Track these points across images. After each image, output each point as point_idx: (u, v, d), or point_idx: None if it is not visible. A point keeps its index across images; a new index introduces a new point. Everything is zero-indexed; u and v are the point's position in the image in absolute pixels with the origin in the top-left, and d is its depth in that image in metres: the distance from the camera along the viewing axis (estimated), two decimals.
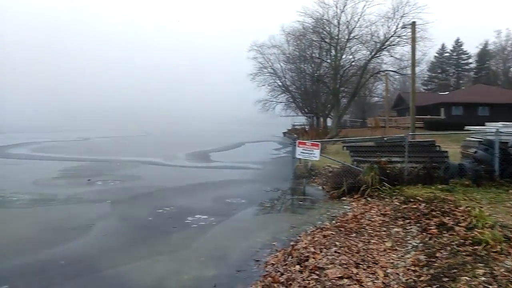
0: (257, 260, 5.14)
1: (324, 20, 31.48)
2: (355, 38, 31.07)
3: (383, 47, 29.61)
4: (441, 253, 4.54)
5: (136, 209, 8.39)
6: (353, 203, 8.33)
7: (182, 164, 18.27)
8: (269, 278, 4.31)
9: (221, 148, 31.44)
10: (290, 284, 4.11)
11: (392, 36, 28.82)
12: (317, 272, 4.23)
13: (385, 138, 13.42)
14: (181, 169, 16.33)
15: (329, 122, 41.24)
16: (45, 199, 9.17)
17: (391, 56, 30.77)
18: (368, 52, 30.97)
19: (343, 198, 8.93)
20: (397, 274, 4.29)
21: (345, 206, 8.22)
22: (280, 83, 45.29)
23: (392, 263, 4.63)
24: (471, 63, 61.69)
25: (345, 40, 31.46)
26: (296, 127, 48.21)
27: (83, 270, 4.84)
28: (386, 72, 32.07)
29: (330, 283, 3.97)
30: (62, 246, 5.77)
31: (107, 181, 12.27)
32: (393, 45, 29.41)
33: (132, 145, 36.76)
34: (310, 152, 9.69)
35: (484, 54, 57.48)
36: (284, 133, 60.62)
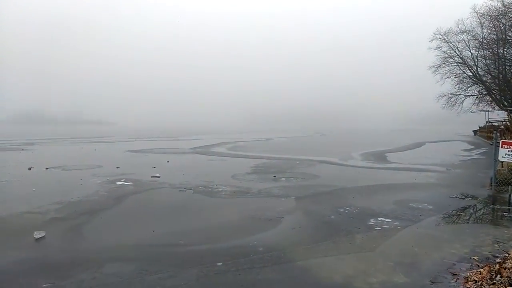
0: (455, 274, 4.66)
1: None
2: None
3: None
4: None
5: (318, 206, 8.81)
6: None
7: (358, 164, 18.09)
8: None
9: (398, 148, 29.60)
10: None
11: None
12: None
13: None
14: (358, 169, 16.17)
15: None
16: (242, 191, 10.65)
17: None
18: None
19: None
20: None
21: None
22: (470, 73, 39.22)
23: None
24: None
25: None
26: (493, 123, 40.73)
27: (277, 259, 5.42)
28: None
29: None
30: (259, 234, 6.60)
31: (290, 178, 13.31)
32: None
33: (308, 144, 38.60)
34: None
35: None
36: (475, 131, 52.14)
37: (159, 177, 13.28)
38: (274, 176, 13.56)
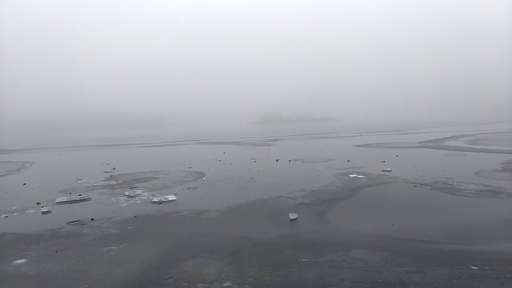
0: None
1: None
2: None
3: None
4: None
5: None
6: None
7: None
8: None
9: None
10: None
11: None
12: None
13: None
14: None
15: None
16: (492, 191, 9.19)
17: None
18: None
19: None
20: None
21: None
22: None
23: None
24: None
25: None
26: None
27: None
28: None
29: None
30: None
31: None
32: None
33: None
34: None
35: None
36: None
37: (390, 171, 13.13)
38: None
